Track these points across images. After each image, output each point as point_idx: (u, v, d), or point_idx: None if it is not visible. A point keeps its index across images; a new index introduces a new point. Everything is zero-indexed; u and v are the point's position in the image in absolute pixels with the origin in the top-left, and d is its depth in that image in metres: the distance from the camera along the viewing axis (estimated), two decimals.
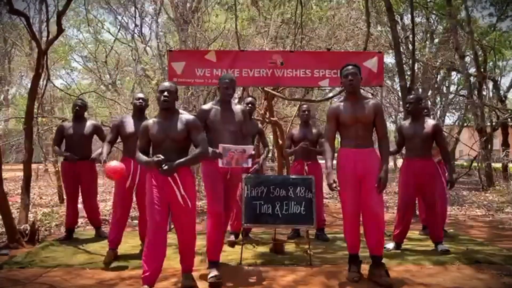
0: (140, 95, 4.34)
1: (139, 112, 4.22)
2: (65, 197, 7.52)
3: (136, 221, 5.16)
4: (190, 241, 3.19)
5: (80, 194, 5.09)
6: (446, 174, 4.70)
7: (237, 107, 3.71)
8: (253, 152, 3.59)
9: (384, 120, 3.48)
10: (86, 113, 5.29)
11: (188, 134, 3.10)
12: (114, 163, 3.68)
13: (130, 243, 4.41)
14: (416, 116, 4.41)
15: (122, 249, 4.20)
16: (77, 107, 5.04)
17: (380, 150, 3.46)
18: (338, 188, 3.34)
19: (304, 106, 5.27)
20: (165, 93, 3.06)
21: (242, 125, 3.67)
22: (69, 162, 4.93)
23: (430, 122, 4.38)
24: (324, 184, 4.52)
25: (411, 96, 4.54)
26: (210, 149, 3.29)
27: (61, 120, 8.07)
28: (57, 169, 7.73)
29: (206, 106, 3.62)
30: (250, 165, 3.65)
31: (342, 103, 3.48)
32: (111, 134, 4.24)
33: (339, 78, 3.54)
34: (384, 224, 3.49)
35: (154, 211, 3.01)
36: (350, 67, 3.45)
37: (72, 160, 4.86)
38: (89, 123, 5.06)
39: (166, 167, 2.94)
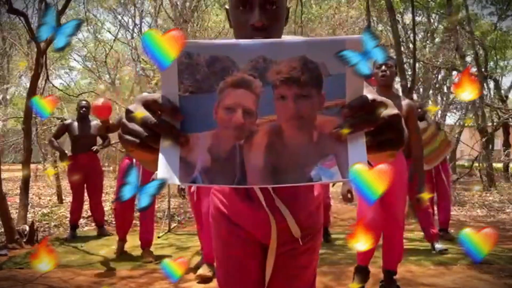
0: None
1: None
2: (64, 197, 7.61)
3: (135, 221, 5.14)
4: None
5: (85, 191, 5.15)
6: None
7: None
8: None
9: (416, 123, 3.09)
10: None
11: None
12: (101, 100, 3.73)
13: (130, 243, 4.38)
14: None
15: None
16: (83, 108, 5.11)
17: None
18: (353, 201, 2.85)
19: None
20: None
21: None
22: (75, 157, 4.98)
23: None
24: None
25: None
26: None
27: (59, 120, 8.04)
28: (55, 169, 7.70)
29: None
30: None
31: None
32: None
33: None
34: (403, 240, 3.14)
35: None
36: None
37: (64, 157, 4.99)
38: (94, 123, 5.13)
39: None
